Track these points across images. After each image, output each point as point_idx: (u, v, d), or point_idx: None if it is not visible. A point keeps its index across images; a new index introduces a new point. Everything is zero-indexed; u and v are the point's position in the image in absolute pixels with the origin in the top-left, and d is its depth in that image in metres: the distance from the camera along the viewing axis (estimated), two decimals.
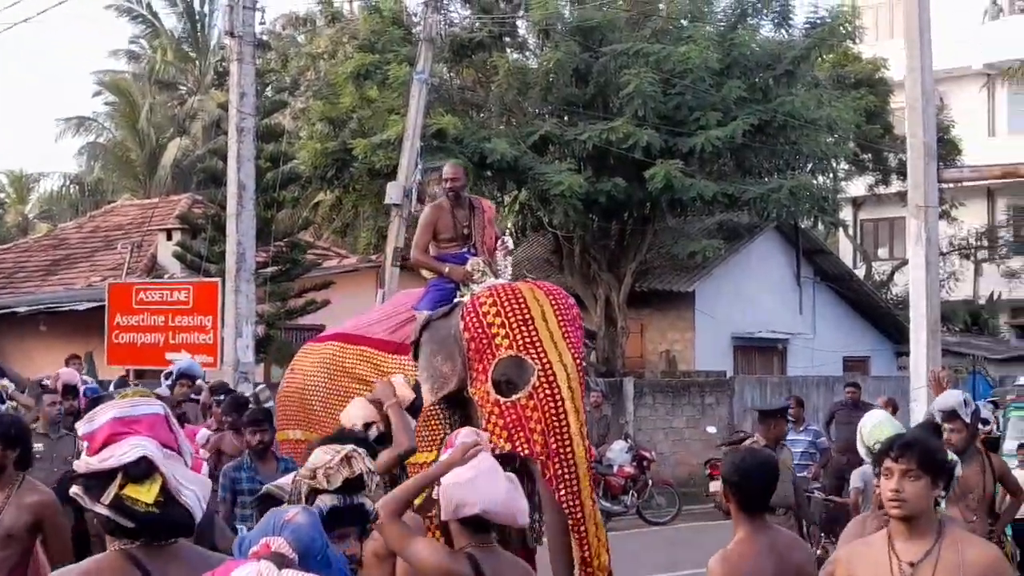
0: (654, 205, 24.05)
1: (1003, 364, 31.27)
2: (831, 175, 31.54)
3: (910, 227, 11.22)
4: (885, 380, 26.83)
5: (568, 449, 7.94)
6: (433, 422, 8.43)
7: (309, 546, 3.07)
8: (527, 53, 26.79)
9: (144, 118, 39.76)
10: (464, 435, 5.17)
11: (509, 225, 28.05)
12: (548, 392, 8.08)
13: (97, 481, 3.28)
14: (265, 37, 23.18)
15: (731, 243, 26.83)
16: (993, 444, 18.17)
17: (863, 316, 30.64)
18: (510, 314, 8.24)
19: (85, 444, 3.40)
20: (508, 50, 26.12)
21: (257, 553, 2.91)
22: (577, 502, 7.94)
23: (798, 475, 14.43)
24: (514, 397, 8.12)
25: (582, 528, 7.91)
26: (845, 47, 29.50)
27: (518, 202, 27.18)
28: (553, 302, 8.42)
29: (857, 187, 34.33)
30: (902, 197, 22.61)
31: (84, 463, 3.33)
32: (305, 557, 3.01)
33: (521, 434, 8.08)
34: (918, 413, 10.54)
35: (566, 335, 8.30)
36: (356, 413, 6.59)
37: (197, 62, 41.21)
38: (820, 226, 31.15)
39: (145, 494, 3.24)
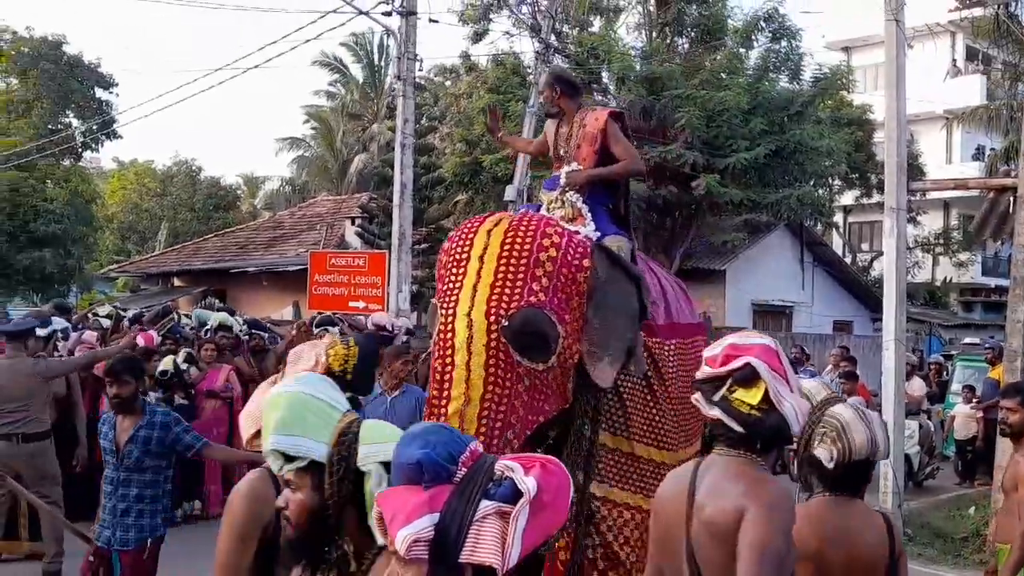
0: (697, 207, 23.64)
1: (952, 329, 30.63)
2: (828, 188, 30.83)
3: (885, 225, 10.91)
4: (864, 338, 26.26)
5: None
6: None
7: None
8: (608, 96, 26.50)
9: (338, 139, 40.22)
10: None
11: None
12: (437, 357, 4.02)
13: (711, 385, 2.87)
14: (422, 81, 23.14)
15: (753, 235, 26.47)
16: (943, 386, 17.71)
17: (849, 291, 29.99)
18: (453, 253, 4.23)
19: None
20: (594, 92, 25.88)
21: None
22: None
23: None
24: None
25: None
26: (841, 95, 28.75)
27: None
28: (510, 235, 4.13)
29: (847, 198, 33.61)
30: (880, 206, 21.91)
31: (701, 372, 2.91)
32: None
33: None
34: (888, 360, 10.22)
35: (501, 281, 4.02)
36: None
37: (375, 100, 41.46)
38: (819, 226, 30.49)
39: (750, 397, 2.79)
